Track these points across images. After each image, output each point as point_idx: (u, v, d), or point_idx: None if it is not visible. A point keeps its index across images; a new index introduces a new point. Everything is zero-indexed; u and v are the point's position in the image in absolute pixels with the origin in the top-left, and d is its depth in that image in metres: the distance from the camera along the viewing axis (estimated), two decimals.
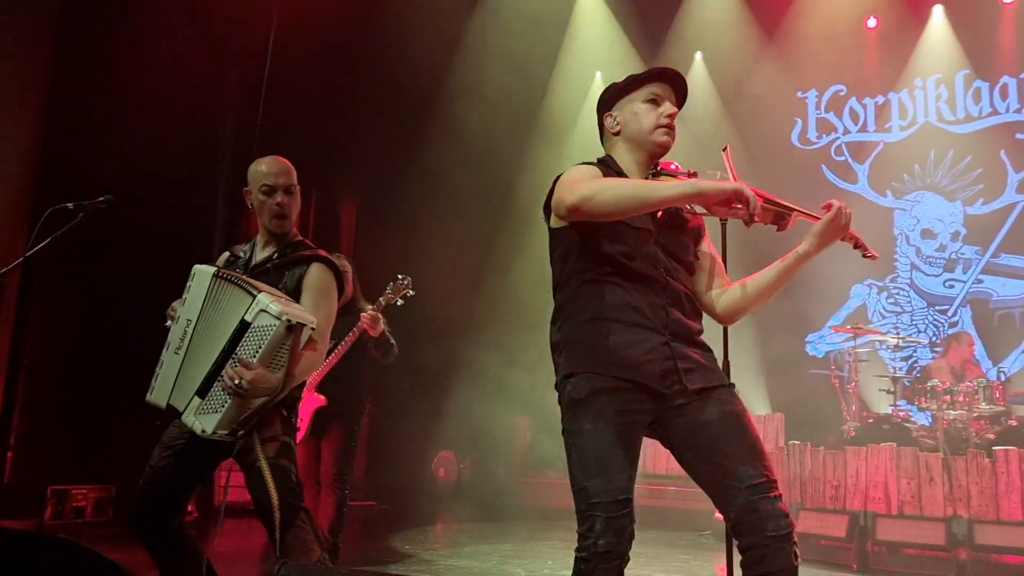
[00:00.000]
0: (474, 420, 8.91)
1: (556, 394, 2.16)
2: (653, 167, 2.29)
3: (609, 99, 2.32)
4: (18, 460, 6.03)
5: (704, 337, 2.23)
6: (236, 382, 2.49)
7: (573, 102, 10.03)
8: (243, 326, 2.56)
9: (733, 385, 2.19)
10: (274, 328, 2.52)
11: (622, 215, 2.08)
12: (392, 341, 4.49)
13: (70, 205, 2.93)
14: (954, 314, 8.53)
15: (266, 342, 2.52)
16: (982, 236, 8.48)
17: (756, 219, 2.02)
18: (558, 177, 2.18)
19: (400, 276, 4.40)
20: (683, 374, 2.09)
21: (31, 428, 6.17)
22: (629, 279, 2.13)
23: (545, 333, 2.24)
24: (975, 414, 6.25)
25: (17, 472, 5.97)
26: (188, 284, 2.74)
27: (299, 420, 4.19)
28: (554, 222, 2.25)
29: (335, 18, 8.14)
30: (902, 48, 8.70)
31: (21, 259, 2.94)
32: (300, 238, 2.97)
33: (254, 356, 2.53)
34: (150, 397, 2.76)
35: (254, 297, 2.57)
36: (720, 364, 2.33)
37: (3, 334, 6.09)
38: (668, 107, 2.26)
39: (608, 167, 2.27)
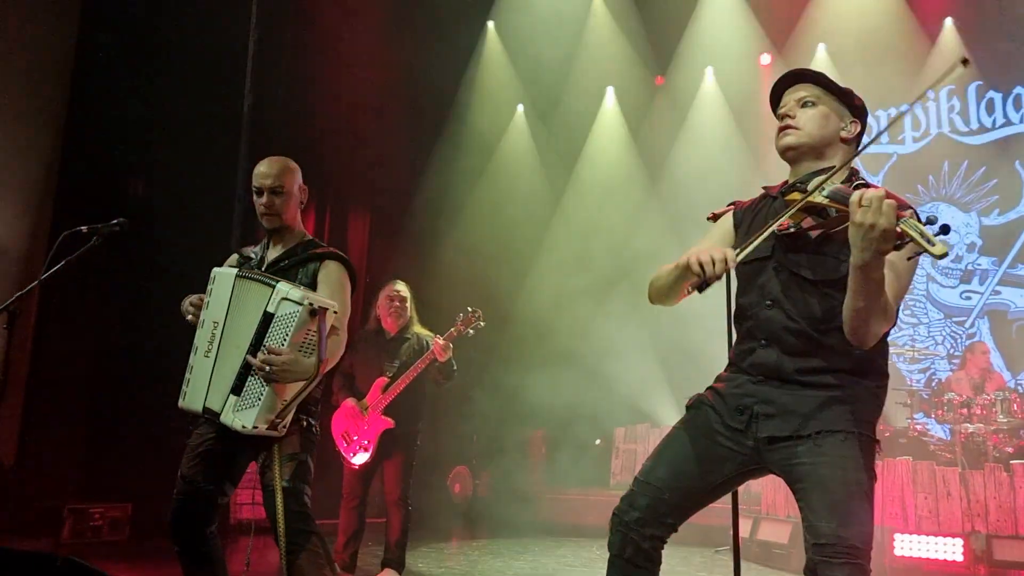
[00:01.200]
0: (489, 435, 8.88)
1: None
2: (801, 180, 2.13)
3: None
4: (36, 479, 6.08)
5: (833, 367, 2.02)
6: (267, 369, 2.54)
7: (585, 116, 10.06)
8: (267, 317, 2.62)
9: (836, 431, 1.98)
10: (297, 314, 2.58)
11: (664, 300, 2.26)
12: (455, 368, 4.67)
13: (84, 228, 3.00)
14: (971, 326, 8.45)
15: (292, 328, 2.58)
16: (999, 247, 8.41)
17: (714, 279, 1.94)
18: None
19: (470, 308, 4.63)
20: (758, 419, 2.08)
21: (49, 448, 6.23)
22: (738, 319, 2.26)
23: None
24: (993, 427, 6.19)
25: (35, 491, 6.02)
26: (209, 288, 2.81)
27: (368, 443, 4.44)
28: None
29: (348, 31, 8.24)
30: (913, 60, 8.67)
31: (36, 282, 3.00)
32: (311, 237, 3.02)
33: (283, 344, 2.58)
34: (183, 403, 2.80)
35: (273, 287, 2.63)
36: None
37: (21, 355, 6.17)
38: (786, 108, 2.26)
39: (764, 197, 2.30)
